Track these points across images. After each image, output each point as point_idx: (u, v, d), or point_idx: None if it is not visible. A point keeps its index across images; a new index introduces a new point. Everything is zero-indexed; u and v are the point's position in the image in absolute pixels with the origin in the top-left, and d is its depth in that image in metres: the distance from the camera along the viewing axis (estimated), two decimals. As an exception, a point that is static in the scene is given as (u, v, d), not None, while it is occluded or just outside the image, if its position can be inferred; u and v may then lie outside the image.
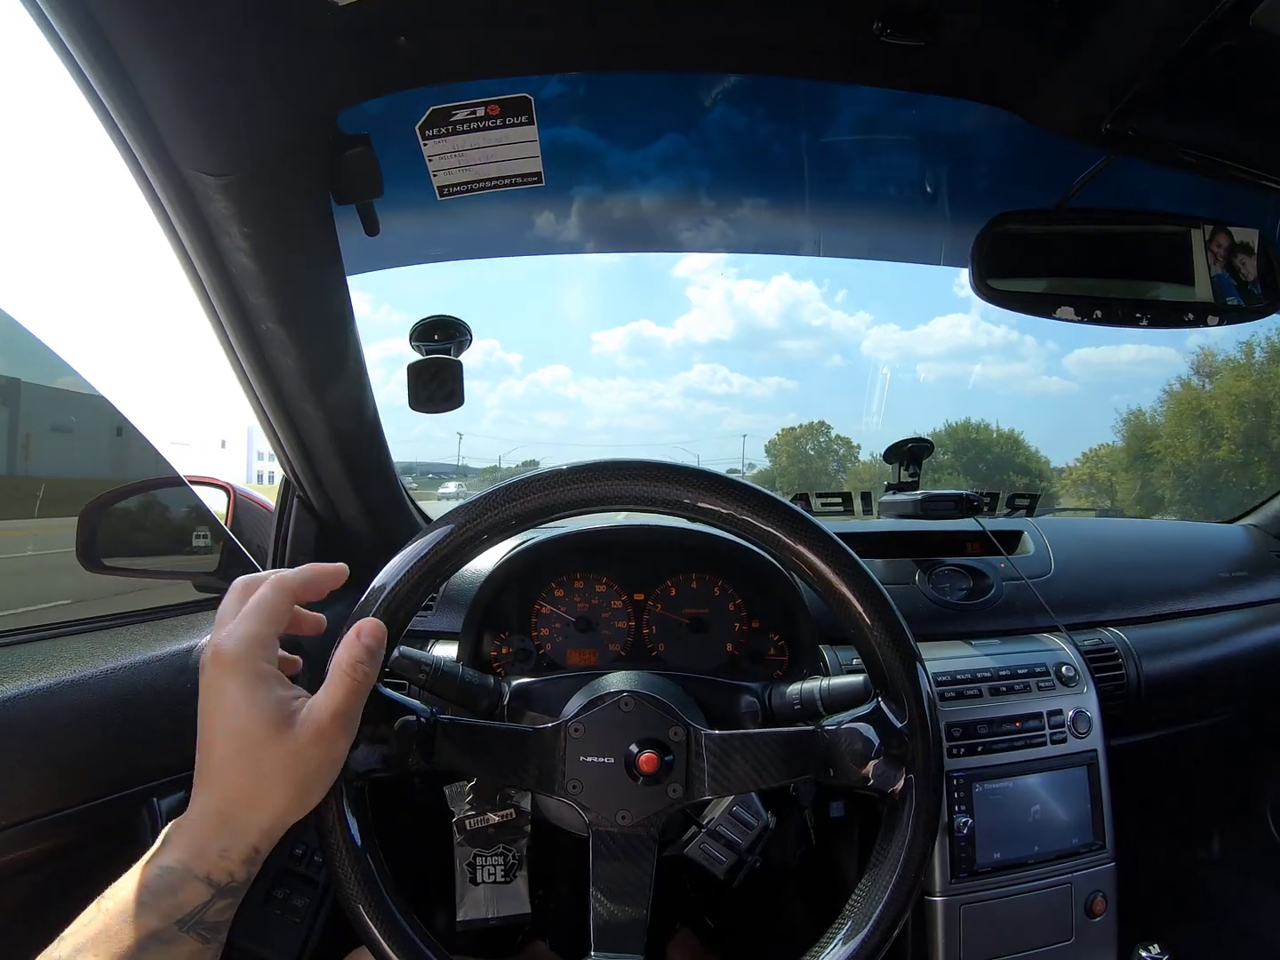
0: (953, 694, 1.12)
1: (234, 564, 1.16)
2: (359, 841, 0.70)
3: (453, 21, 0.71)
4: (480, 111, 0.82)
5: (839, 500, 1.36)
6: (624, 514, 1.12)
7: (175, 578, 1.22)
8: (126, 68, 0.63)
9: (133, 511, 1.26)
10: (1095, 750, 1.15)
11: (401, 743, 0.72)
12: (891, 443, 1.36)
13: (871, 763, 0.71)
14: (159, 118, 0.68)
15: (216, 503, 1.20)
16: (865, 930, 0.67)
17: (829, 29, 0.79)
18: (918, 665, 0.71)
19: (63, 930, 0.58)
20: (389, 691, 0.73)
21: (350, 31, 0.69)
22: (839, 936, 0.68)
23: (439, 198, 0.88)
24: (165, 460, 1.15)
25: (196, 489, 1.21)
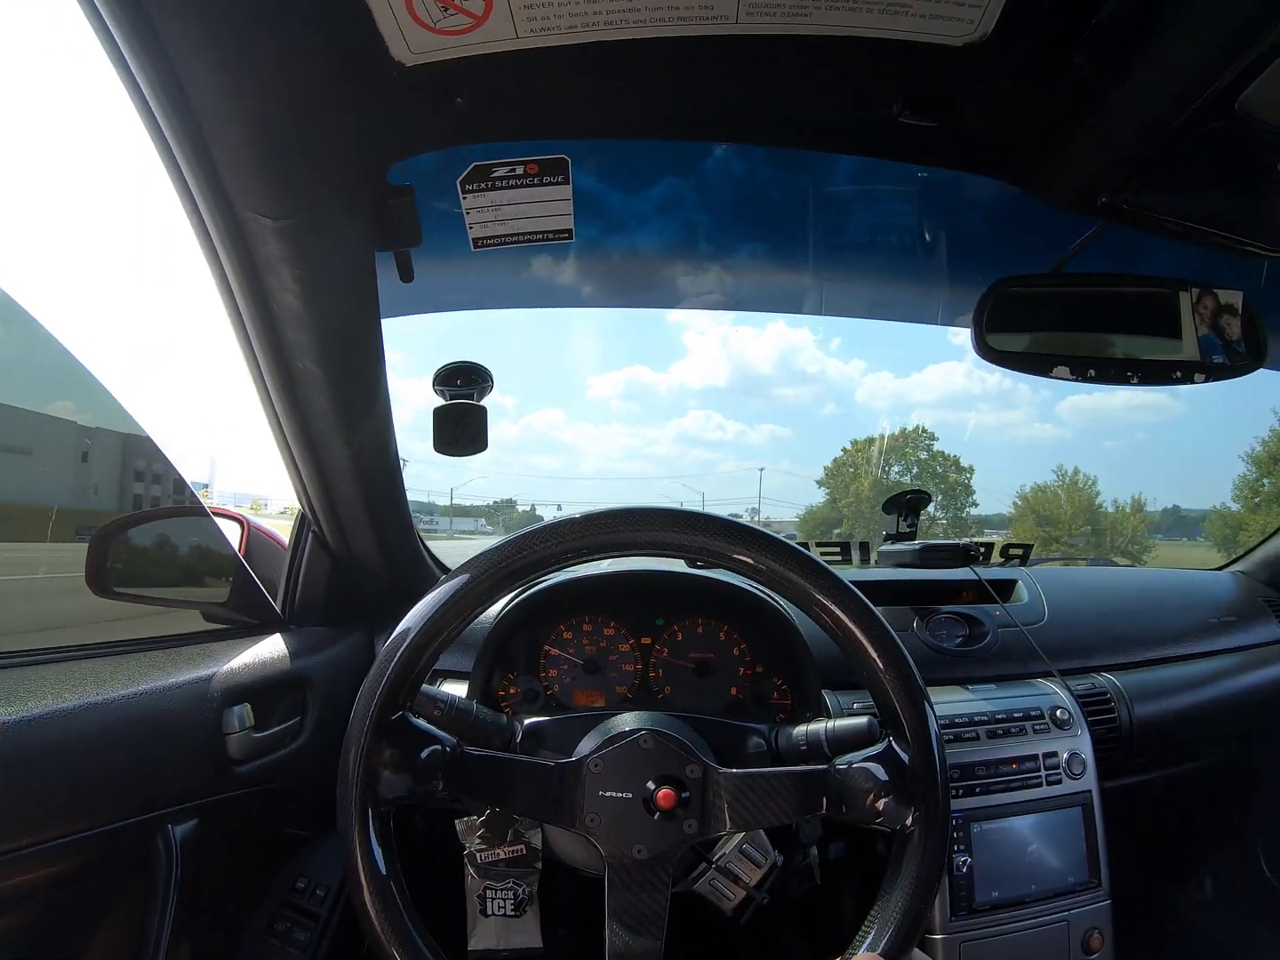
0: (951, 737, 1.14)
1: (245, 595, 1.17)
2: (384, 870, 0.71)
3: (508, 88, 0.76)
4: (520, 170, 0.86)
5: (838, 549, 1.39)
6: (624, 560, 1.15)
7: (185, 606, 1.22)
8: (195, 109, 0.67)
9: (144, 539, 1.27)
10: (1090, 791, 1.18)
11: (427, 772, 0.74)
12: (890, 495, 1.41)
13: (883, 800, 0.74)
14: (221, 159, 0.71)
15: (231, 535, 1.21)
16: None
17: (852, 110, 0.84)
18: (926, 706, 0.74)
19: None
20: (419, 722, 0.76)
21: (413, 90, 0.73)
22: None
23: (473, 249, 0.91)
24: (189, 489, 1.16)
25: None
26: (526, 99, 0.80)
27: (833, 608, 0.74)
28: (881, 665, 0.74)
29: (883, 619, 0.75)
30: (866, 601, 0.75)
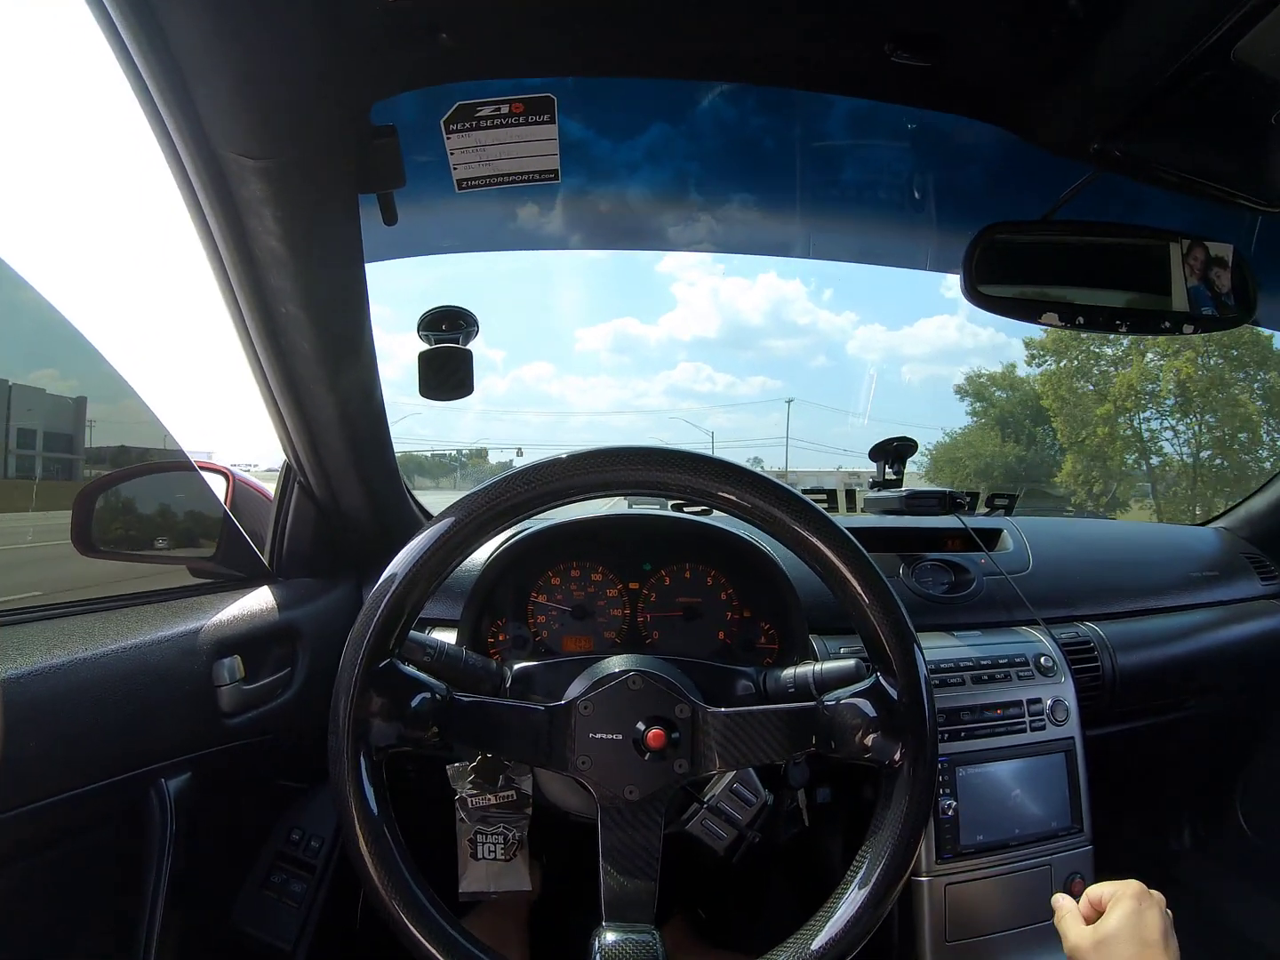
0: (937, 681, 1.16)
1: (232, 549, 1.16)
2: (378, 816, 0.72)
3: (493, 20, 0.74)
4: (505, 109, 0.84)
5: (824, 496, 1.40)
6: (610, 503, 1.15)
7: (172, 562, 1.22)
8: (174, 49, 0.65)
9: (129, 496, 1.25)
10: (1073, 738, 1.20)
11: (418, 719, 0.74)
12: (877, 441, 1.41)
13: (871, 735, 0.75)
14: (201, 99, 0.69)
15: (216, 488, 1.19)
16: (867, 891, 0.71)
17: (842, 47, 0.83)
18: (913, 642, 0.75)
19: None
20: (408, 669, 0.76)
21: (396, 26, 0.71)
22: (844, 898, 0.71)
23: (457, 190, 0.90)
24: (174, 441, 1.15)
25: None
26: (512, 35, 0.79)
27: (818, 544, 0.74)
28: (868, 600, 0.74)
29: (869, 557, 0.75)
30: (853, 539, 0.75)
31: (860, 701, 0.76)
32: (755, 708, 0.79)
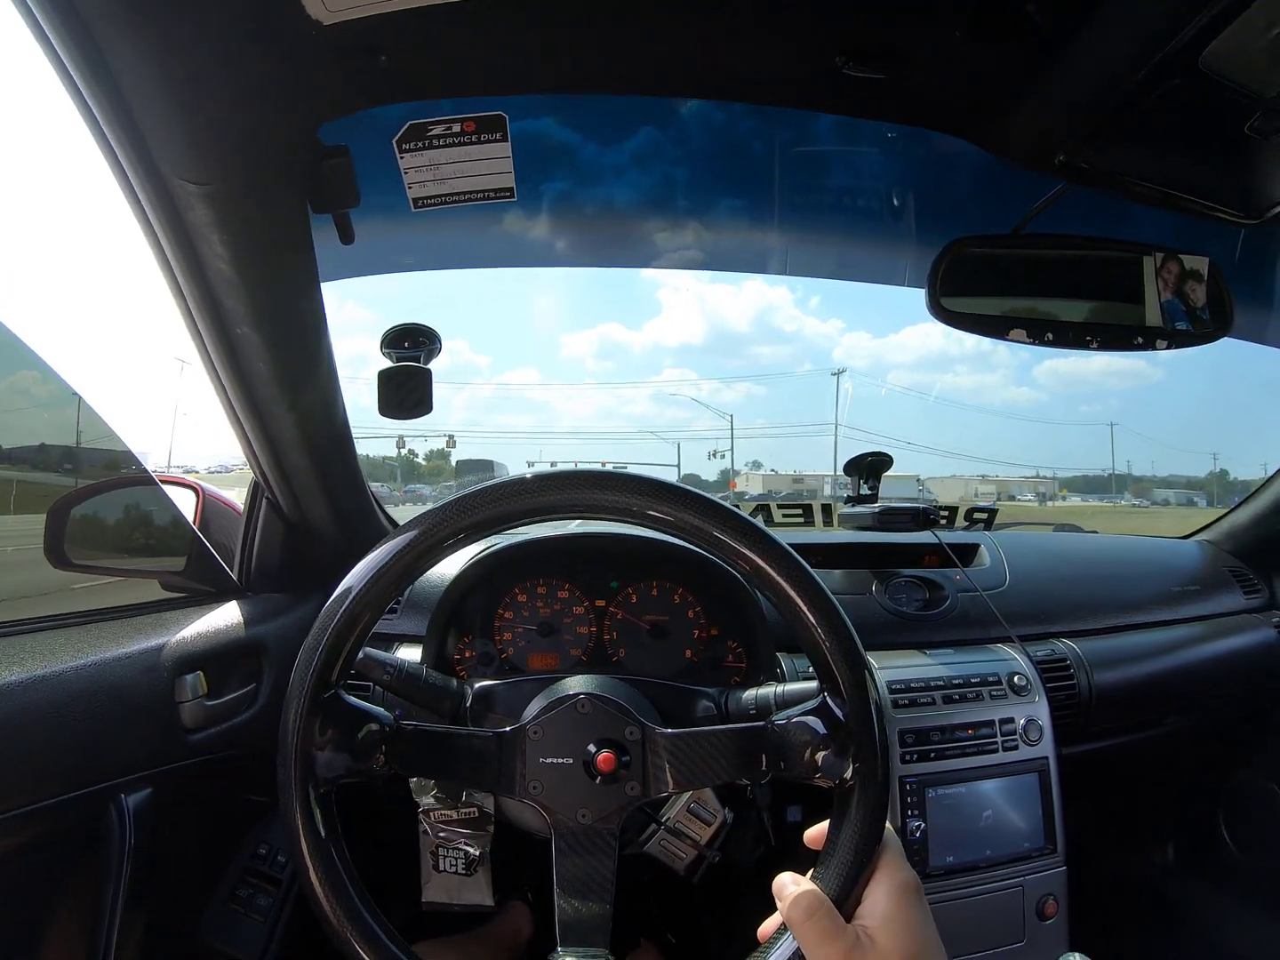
0: (906, 701, 1.15)
1: (201, 564, 1.16)
2: (330, 850, 0.71)
3: (433, 43, 0.74)
4: (456, 127, 0.84)
5: (799, 511, 1.39)
6: (581, 522, 1.14)
7: (142, 576, 1.22)
8: (115, 74, 0.65)
9: (101, 509, 1.26)
10: (1047, 757, 1.19)
11: (366, 749, 0.73)
12: (852, 456, 1.40)
13: (821, 753, 0.73)
14: (145, 124, 0.70)
15: (185, 503, 1.20)
16: None
17: (793, 61, 0.82)
18: (859, 656, 0.73)
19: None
20: (352, 700, 0.75)
21: (335, 49, 0.71)
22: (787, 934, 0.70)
23: (413, 209, 0.90)
24: (136, 458, 1.15)
25: (166, 489, 1.21)
26: (454, 55, 0.78)
27: (758, 560, 0.72)
28: (813, 619, 0.72)
29: (811, 572, 0.74)
30: (793, 554, 0.73)
31: (809, 719, 0.74)
32: (705, 728, 0.78)
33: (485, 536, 0.76)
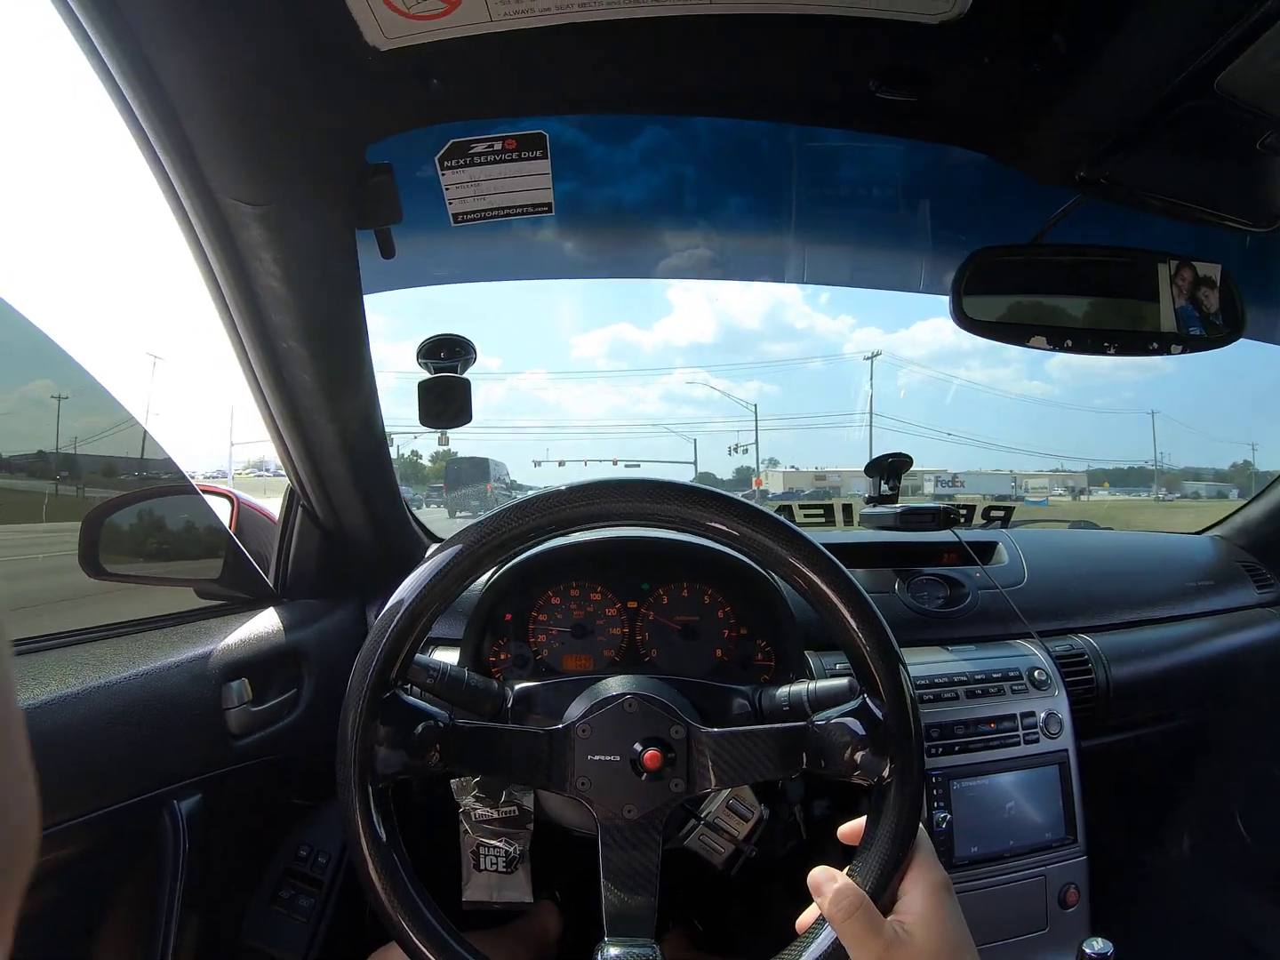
0: (931, 696, 1.17)
1: (237, 571, 1.18)
2: (386, 842, 0.74)
3: (482, 68, 0.76)
4: (498, 145, 0.87)
5: (821, 512, 1.41)
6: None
7: (178, 584, 1.23)
8: (171, 98, 0.67)
9: (135, 518, 1.28)
10: (1066, 750, 1.21)
11: (422, 747, 0.76)
12: (873, 457, 1.42)
13: (859, 753, 0.76)
14: (200, 147, 0.72)
15: (221, 511, 1.22)
16: None
17: (827, 84, 0.85)
18: (898, 661, 0.77)
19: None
20: (410, 699, 0.78)
21: (388, 72, 0.74)
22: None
23: (453, 224, 0.92)
24: (176, 466, 1.17)
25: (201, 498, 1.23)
26: (501, 79, 0.81)
27: (803, 568, 0.76)
28: (854, 623, 0.76)
29: (852, 578, 0.77)
30: (836, 561, 0.77)
31: (849, 721, 0.78)
32: (748, 728, 0.81)
33: (529, 548, 0.79)
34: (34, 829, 0.22)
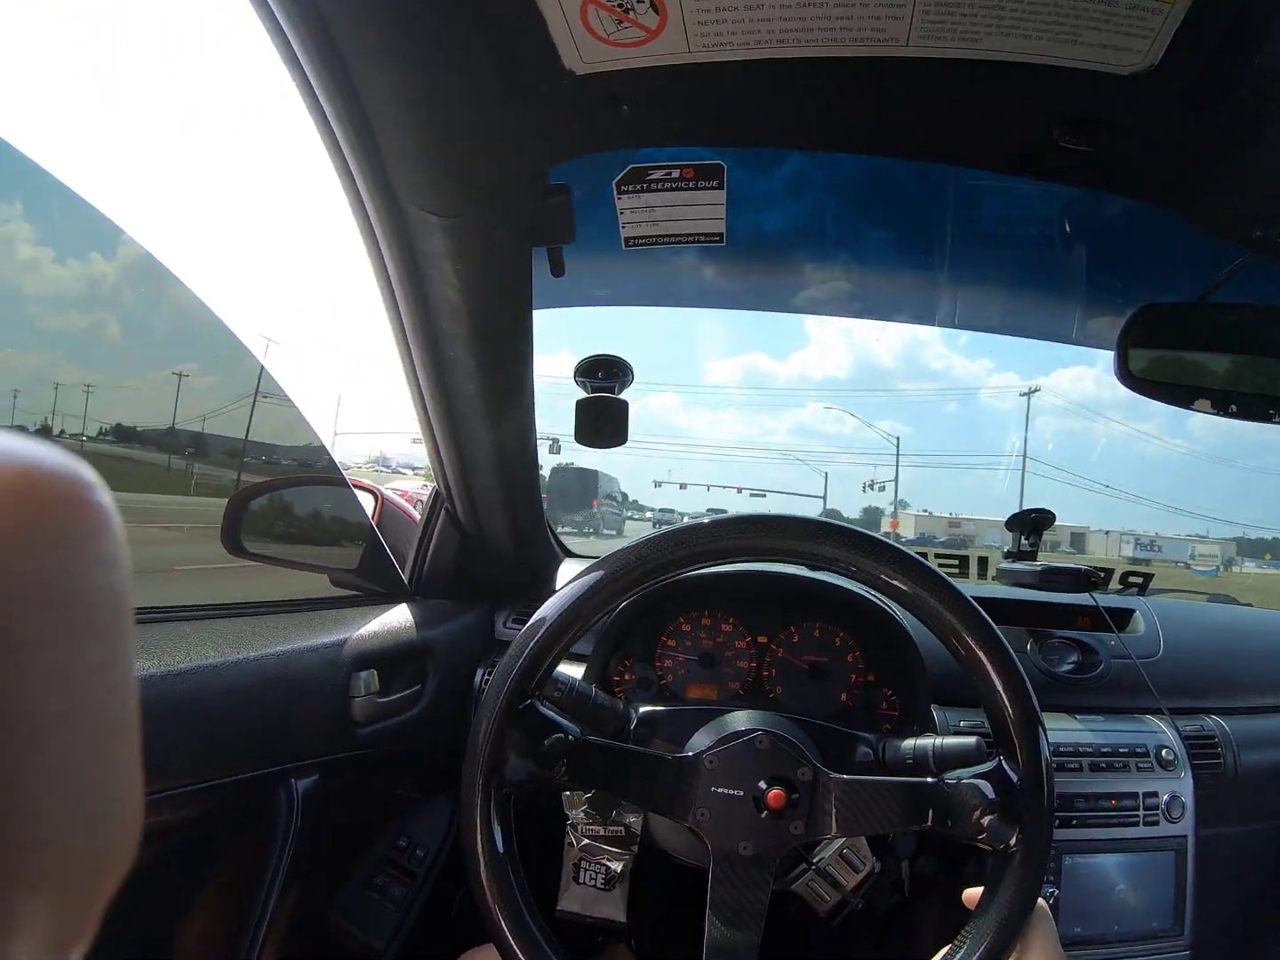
0: (1055, 765, 1.12)
1: (375, 564, 1.23)
2: (500, 848, 0.75)
3: (672, 97, 0.78)
4: (676, 173, 0.89)
5: (956, 562, 1.38)
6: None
7: (314, 570, 1.28)
8: (370, 113, 0.71)
9: (280, 504, 1.34)
10: (1185, 836, 1.15)
11: (550, 759, 0.78)
12: (1022, 506, 1.38)
13: (988, 816, 0.75)
14: (392, 160, 0.76)
15: (365, 505, 1.27)
16: None
17: (1010, 130, 0.84)
18: (1040, 729, 0.75)
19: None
20: (546, 711, 0.79)
21: (580, 96, 0.76)
22: None
23: (625, 247, 0.95)
24: (331, 458, 1.22)
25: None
26: (691, 109, 0.83)
27: (954, 621, 0.75)
28: (999, 684, 0.75)
29: (1004, 639, 0.75)
30: (988, 620, 0.76)
31: (981, 783, 0.76)
32: (877, 778, 0.80)
33: (672, 578, 0.81)
34: (135, 831, 0.23)
